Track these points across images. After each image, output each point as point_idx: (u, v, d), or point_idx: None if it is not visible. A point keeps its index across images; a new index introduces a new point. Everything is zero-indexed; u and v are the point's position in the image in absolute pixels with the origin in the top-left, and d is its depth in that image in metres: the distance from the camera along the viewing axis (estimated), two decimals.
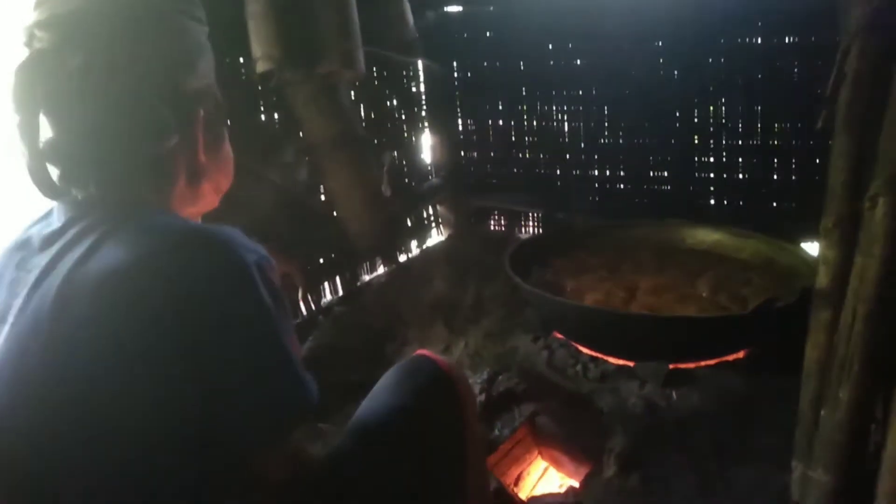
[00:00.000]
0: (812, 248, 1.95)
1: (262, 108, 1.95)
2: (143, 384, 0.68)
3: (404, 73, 2.59)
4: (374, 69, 2.37)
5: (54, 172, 0.79)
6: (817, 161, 2.21)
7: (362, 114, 2.33)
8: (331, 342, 1.92)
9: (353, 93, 2.20)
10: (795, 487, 1.25)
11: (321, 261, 2.17)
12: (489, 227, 2.86)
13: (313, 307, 2.09)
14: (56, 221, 0.79)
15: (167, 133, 0.80)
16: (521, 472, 1.69)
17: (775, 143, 2.31)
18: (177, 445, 0.69)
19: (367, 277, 2.37)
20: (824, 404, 1.17)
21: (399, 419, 0.94)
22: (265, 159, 1.93)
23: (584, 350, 1.72)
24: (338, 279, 2.23)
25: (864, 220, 1.08)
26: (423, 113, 2.71)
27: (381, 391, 0.99)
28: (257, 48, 1.61)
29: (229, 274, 0.72)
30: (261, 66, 1.63)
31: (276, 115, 1.98)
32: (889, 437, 1.08)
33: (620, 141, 2.56)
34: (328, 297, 2.21)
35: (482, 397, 1.66)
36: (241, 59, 1.80)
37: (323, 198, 2.08)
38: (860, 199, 1.09)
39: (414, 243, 2.64)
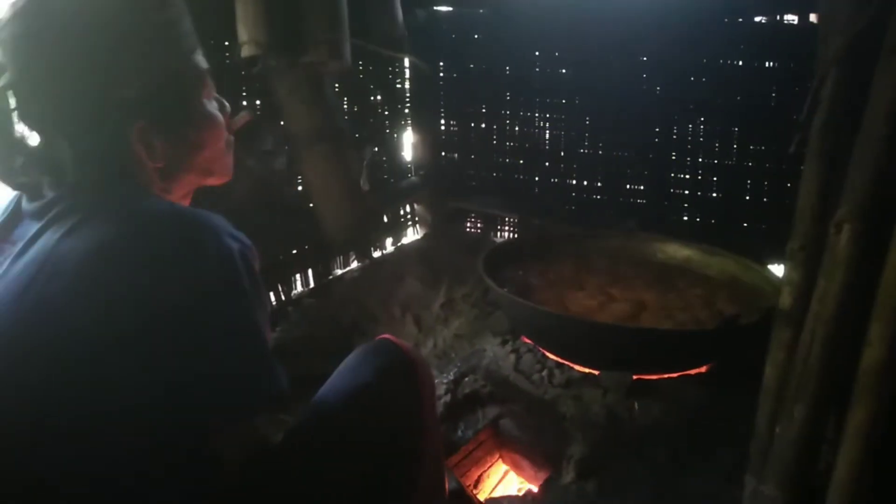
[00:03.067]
0: (777, 269, 2.00)
1: (244, 94, 1.93)
2: (119, 357, 0.69)
3: (390, 69, 2.58)
4: (361, 63, 2.37)
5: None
6: (788, 185, 2.26)
7: (345, 107, 2.32)
8: (299, 334, 1.91)
9: (337, 85, 2.19)
10: (747, 502, 1.28)
11: (294, 252, 2.15)
12: (465, 229, 2.86)
13: (283, 298, 2.07)
14: (44, 196, 0.79)
15: (94, 144, 0.80)
16: (481, 474, 1.70)
17: (749, 164, 2.36)
18: (141, 421, 0.70)
19: (339, 271, 2.35)
20: (779, 422, 1.20)
21: (358, 394, 0.95)
22: (244, 146, 1.91)
23: (551, 356, 1.74)
24: (310, 271, 2.22)
25: (828, 245, 1.11)
26: (407, 111, 2.70)
27: (344, 371, 1.01)
28: (243, 32, 1.59)
29: (214, 261, 0.73)
30: (246, 51, 1.61)
31: (258, 102, 1.96)
32: (839, 458, 1.11)
33: (599, 152, 2.58)
34: (299, 288, 2.19)
35: (447, 398, 1.67)
36: (227, 42, 1.78)
37: (300, 188, 2.07)
38: (826, 224, 1.11)
39: (389, 240, 2.64)
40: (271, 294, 2.04)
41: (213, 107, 0.91)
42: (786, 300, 1.22)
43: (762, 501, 1.22)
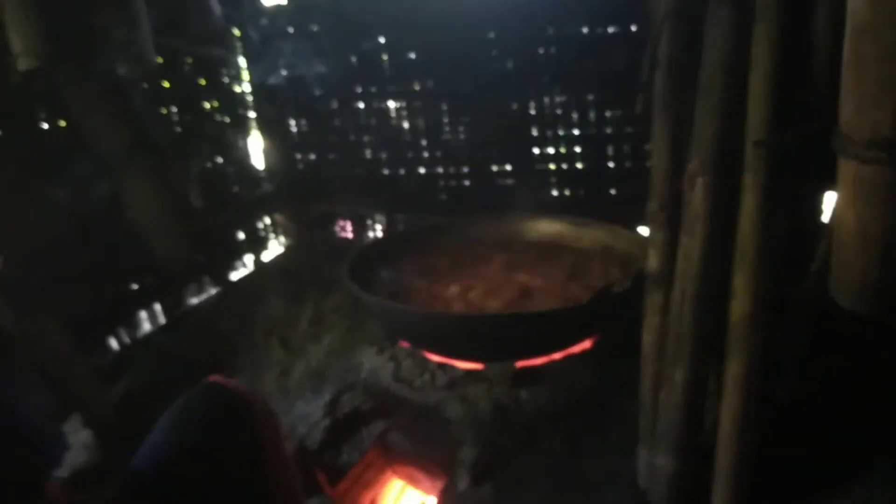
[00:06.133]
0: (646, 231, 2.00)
1: (41, 115, 1.66)
2: None
3: (225, 70, 2.36)
4: (189, 69, 2.14)
5: None
6: (647, 147, 2.29)
7: (175, 117, 2.09)
8: (149, 378, 1.69)
9: (161, 95, 1.96)
10: (642, 474, 1.24)
11: (134, 287, 1.89)
12: (334, 234, 2.69)
13: (128, 341, 1.82)
14: None
15: None
16: (374, 497, 1.56)
17: (608, 131, 2.37)
18: None
19: (194, 301, 2.11)
20: (662, 387, 1.16)
21: (179, 456, 0.80)
22: (51, 176, 1.65)
23: (432, 357, 1.63)
24: (157, 306, 1.97)
25: (685, 200, 1.07)
26: (251, 114, 2.49)
27: (163, 427, 0.84)
28: (17, 42, 1.34)
29: None
30: (22, 64, 1.36)
31: (61, 123, 1.69)
32: (722, 413, 1.08)
33: (461, 136, 2.51)
34: (146, 327, 1.94)
35: (326, 422, 1.52)
36: (3, 57, 1.50)
37: (130, 215, 1.81)
38: (681, 180, 1.08)
39: (250, 258, 2.42)
40: (112, 339, 1.78)
41: None
42: (653, 262, 1.19)
43: (656, 472, 1.18)
